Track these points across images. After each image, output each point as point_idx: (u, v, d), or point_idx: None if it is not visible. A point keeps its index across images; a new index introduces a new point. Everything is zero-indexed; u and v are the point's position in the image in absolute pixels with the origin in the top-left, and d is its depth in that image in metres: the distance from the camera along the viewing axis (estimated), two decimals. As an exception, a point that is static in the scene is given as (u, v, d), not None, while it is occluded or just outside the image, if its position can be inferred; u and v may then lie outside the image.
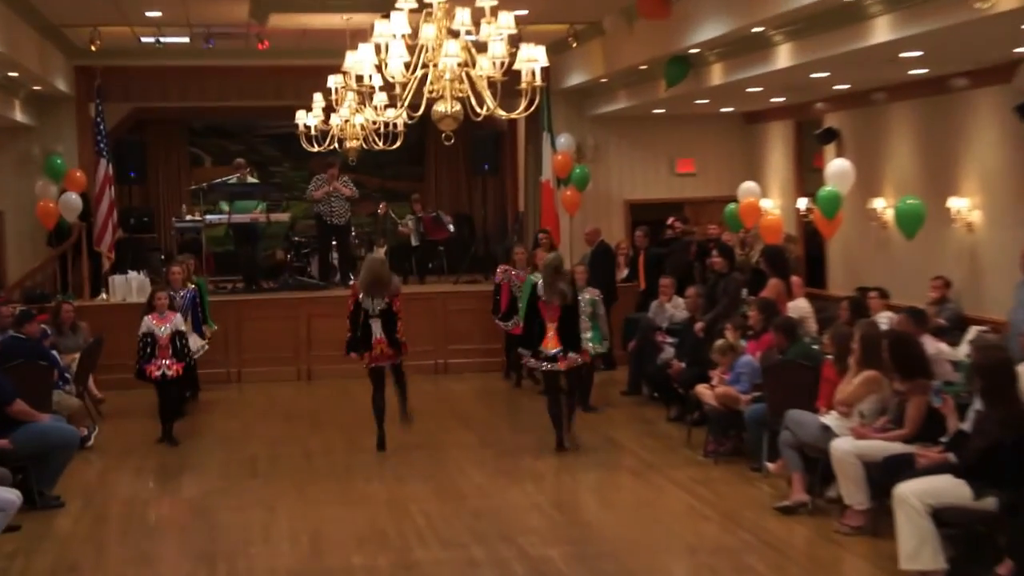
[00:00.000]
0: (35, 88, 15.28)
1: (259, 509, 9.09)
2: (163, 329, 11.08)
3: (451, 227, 17.65)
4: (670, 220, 16.60)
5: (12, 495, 7.61)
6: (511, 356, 13.90)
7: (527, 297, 10.93)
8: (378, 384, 10.97)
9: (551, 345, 10.48)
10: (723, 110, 17.27)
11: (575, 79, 16.55)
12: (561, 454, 10.59)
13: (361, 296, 10.67)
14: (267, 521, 8.77)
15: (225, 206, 16.49)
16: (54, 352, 11.40)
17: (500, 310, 13.53)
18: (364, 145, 12.36)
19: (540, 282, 10.59)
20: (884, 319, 10.61)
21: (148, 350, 11.04)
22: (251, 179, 17.17)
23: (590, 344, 11.51)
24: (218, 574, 7.56)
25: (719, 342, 10.48)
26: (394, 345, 10.83)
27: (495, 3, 7.61)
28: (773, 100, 15.74)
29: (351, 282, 13.77)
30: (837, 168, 13.63)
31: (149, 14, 13.85)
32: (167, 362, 11.01)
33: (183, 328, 11.32)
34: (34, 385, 9.77)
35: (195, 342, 12.08)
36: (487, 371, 14.87)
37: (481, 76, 7.74)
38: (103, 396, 12.51)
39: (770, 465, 9.30)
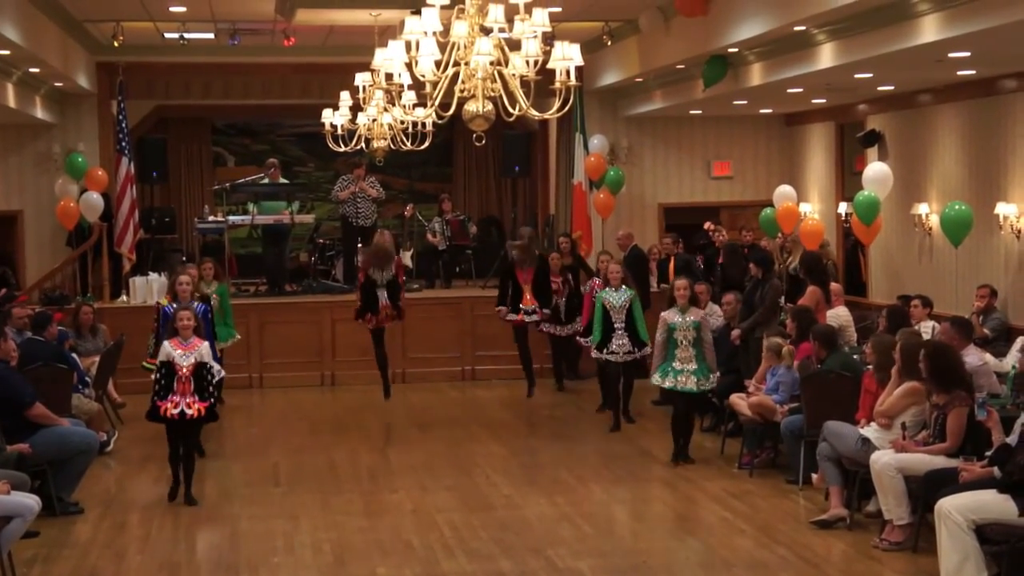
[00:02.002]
0: (56, 85, 15.42)
1: (282, 518, 9.15)
2: (185, 358, 9.28)
3: (472, 233, 17.64)
4: (707, 225, 16.63)
5: (31, 501, 7.67)
6: (560, 366, 14.51)
7: (599, 309, 11.96)
8: (379, 341, 13.22)
9: (528, 303, 13.62)
10: (762, 111, 17.24)
11: (609, 78, 16.56)
12: (590, 465, 10.62)
13: (371, 270, 12.77)
14: (290, 530, 8.83)
15: (252, 207, 16.58)
16: (74, 355, 11.51)
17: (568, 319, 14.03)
18: (392, 145, 12.42)
19: (515, 252, 13.84)
20: (927, 328, 10.58)
21: (164, 382, 9.28)
22: (281, 180, 17.27)
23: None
24: (240, 583, 7.65)
25: (773, 339, 10.45)
26: (396, 309, 12.93)
27: (529, 0, 7.65)
28: (814, 101, 15.70)
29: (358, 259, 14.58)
30: (875, 172, 13.60)
31: (173, 9, 13.96)
32: (188, 399, 9.24)
33: (210, 359, 9.54)
34: (53, 388, 9.86)
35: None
36: (515, 378, 14.86)
37: (514, 75, 7.77)
38: (123, 400, 12.59)
39: (814, 476, 9.28)
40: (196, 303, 10.35)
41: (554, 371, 14.55)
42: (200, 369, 9.28)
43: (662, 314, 10.55)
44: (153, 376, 9.38)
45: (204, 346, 9.37)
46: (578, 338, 13.40)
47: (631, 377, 12.19)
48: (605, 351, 11.85)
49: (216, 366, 10.39)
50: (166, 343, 9.32)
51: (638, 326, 11.91)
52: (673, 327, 10.32)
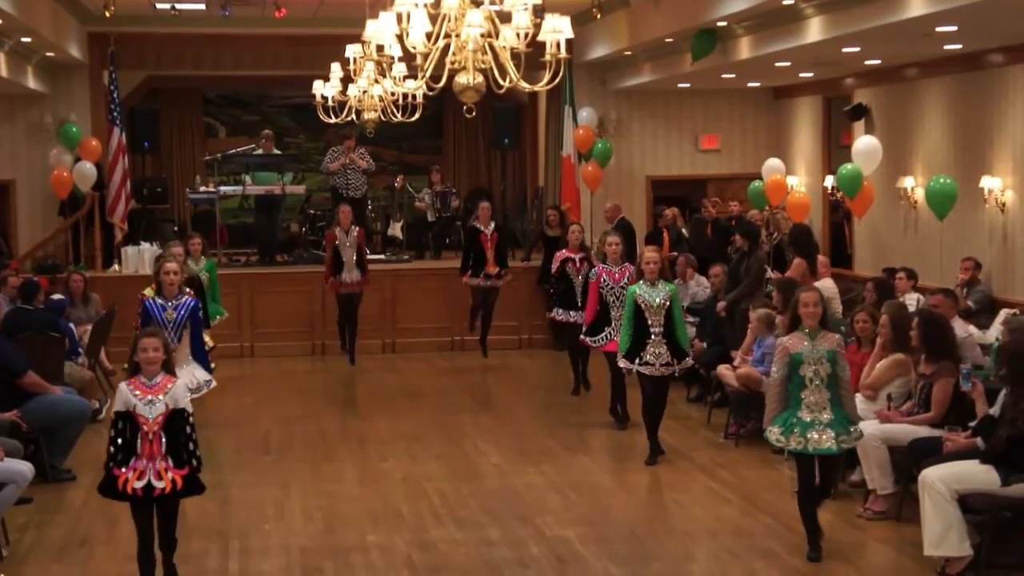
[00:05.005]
0: (48, 55, 15.30)
1: (273, 486, 9.16)
2: (151, 405, 6.37)
3: (454, 207, 17.62)
4: (708, 199, 16.74)
5: (24, 467, 7.66)
6: (579, 366, 12.39)
7: (630, 306, 9.53)
8: (345, 310, 13.98)
9: (492, 268, 13.60)
10: (750, 85, 17.22)
11: (598, 51, 16.49)
12: (578, 435, 10.63)
13: (338, 234, 13.64)
14: (281, 498, 8.83)
15: (247, 177, 16.52)
16: (71, 324, 11.47)
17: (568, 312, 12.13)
18: (382, 117, 12.33)
19: (479, 218, 13.74)
20: (911, 300, 10.59)
21: (120, 441, 6.37)
22: (275, 151, 17.21)
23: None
24: (231, 551, 7.63)
25: (764, 310, 10.36)
26: (360, 267, 13.71)
27: (520, -28, 7.59)
28: (802, 75, 15.68)
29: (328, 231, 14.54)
30: (864, 145, 13.59)
31: (164, -20, 13.87)
32: (157, 465, 6.35)
33: (186, 404, 6.53)
34: (45, 357, 9.85)
35: (198, 377, 9.20)
36: (503, 348, 14.92)
37: (504, 47, 7.72)
38: (115, 368, 12.56)
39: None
40: (184, 298, 9.09)
41: (573, 371, 12.45)
42: (174, 420, 6.40)
43: (780, 341, 7.46)
44: (109, 433, 6.53)
45: (177, 387, 6.47)
46: (582, 337, 11.06)
47: (665, 398, 9.77)
48: (637, 362, 9.49)
49: (204, 375, 9.24)
50: (123, 386, 6.42)
51: (678, 332, 9.57)
52: (799, 359, 7.15)
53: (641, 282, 9.48)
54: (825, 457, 7.15)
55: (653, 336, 9.41)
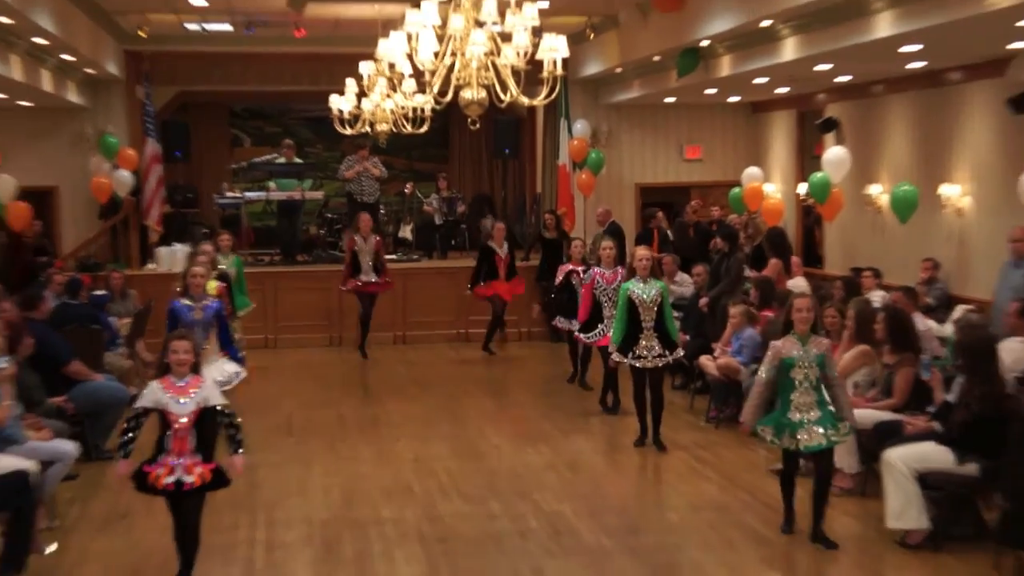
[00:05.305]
0: (88, 71, 15.34)
1: (295, 465, 9.21)
2: (181, 404, 6.17)
3: (459, 212, 17.67)
4: (690, 204, 16.76)
5: (70, 447, 7.71)
6: (577, 364, 12.21)
7: (623, 302, 9.40)
8: (366, 305, 13.84)
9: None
10: (730, 100, 17.23)
11: (591, 69, 16.53)
12: (573, 419, 10.72)
13: (358, 240, 13.58)
14: (303, 476, 8.89)
15: (270, 184, 16.58)
16: (112, 318, 11.53)
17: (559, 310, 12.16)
18: (393, 128, 12.37)
19: (494, 238, 13.78)
20: (877, 297, 10.65)
21: (131, 434, 6.21)
22: (296, 160, 17.27)
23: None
24: (258, 523, 7.69)
25: (741, 306, 10.43)
26: (379, 272, 13.76)
27: (520, -5, 7.65)
28: (778, 91, 15.71)
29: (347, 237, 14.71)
30: (834, 155, 13.64)
31: (194, 2, 13.86)
32: (185, 461, 6.14)
33: (218, 399, 6.31)
34: (88, 347, 9.88)
35: (228, 369, 8.99)
36: (505, 340, 14.98)
37: (505, 65, 7.76)
38: (153, 358, 12.57)
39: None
40: (207, 301, 8.78)
41: (572, 361, 12.31)
42: (204, 418, 6.21)
43: (773, 344, 7.10)
44: (121, 424, 6.48)
45: (206, 386, 6.28)
46: (578, 334, 11.13)
47: (661, 390, 9.61)
48: (630, 355, 9.39)
49: (234, 366, 8.99)
50: (155, 384, 6.20)
51: (668, 325, 9.50)
52: (791, 363, 6.93)
53: (634, 279, 9.37)
54: (819, 452, 6.94)
55: (645, 330, 9.32)
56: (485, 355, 14.30)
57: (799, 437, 6.85)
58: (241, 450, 6.38)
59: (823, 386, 6.94)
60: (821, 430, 6.87)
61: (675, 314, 11.97)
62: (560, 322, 12.15)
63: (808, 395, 6.87)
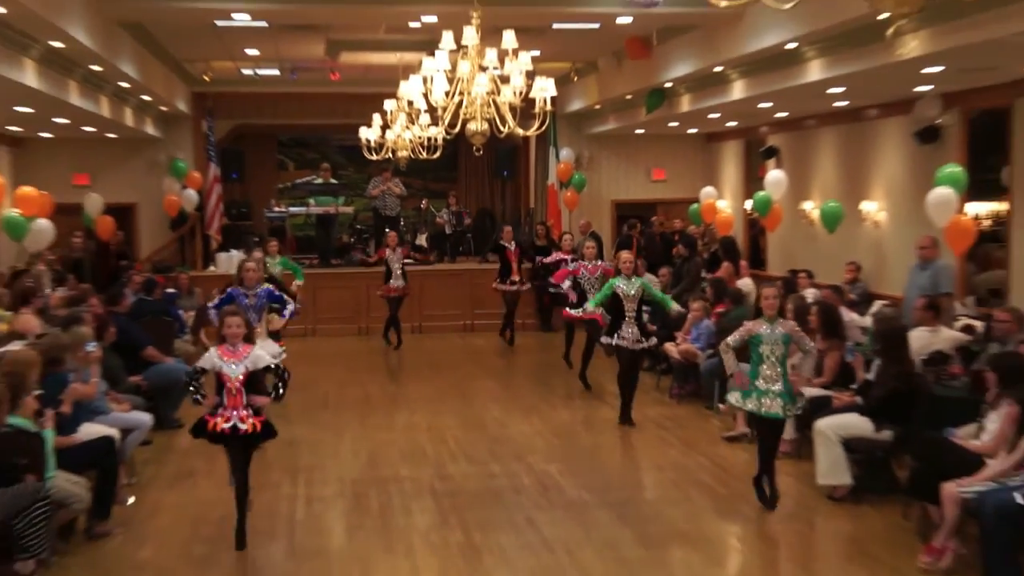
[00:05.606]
0: (162, 109, 15.34)
1: (330, 433, 9.20)
2: (234, 367, 6.12)
3: (466, 223, 17.66)
4: (653, 218, 16.75)
5: (146, 417, 7.73)
6: (568, 343, 11.93)
7: (608, 291, 9.30)
8: (393, 307, 13.62)
9: (516, 276, 13.60)
10: (689, 131, 17.25)
11: (575, 105, 16.54)
12: (559, 396, 10.68)
13: (388, 252, 13.43)
14: (336, 442, 8.88)
15: (310, 200, 16.56)
16: (180, 311, 11.51)
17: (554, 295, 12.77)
18: (411, 154, 12.38)
19: (503, 237, 13.40)
20: (810, 294, 10.64)
21: (192, 387, 6.15)
22: (331, 180, 17.26)
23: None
24: (299, 481, 7.68)
25: (699, 302, 10.43)
26: (405, 279, 13.50)
27: (516, 46, 7.64)
28: (728, 124, 15.73)
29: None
30: (774, 177, 13.64)
31: (248, 52, 13.88)
32: (240, 413, 6.12)
33: (267, 361, 6.25)
34: (161, 335, 9.88)
35: (271, 349, 8.12)
36: (513, 332, 14.93)
37: (504, 102, 7.78)
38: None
39: (720, 405, 9.37)
40: (260, 287, 8.51)
41: (583, 352, 11.26)
42: (253, 377, 6.16)
43: (745, 324, 6.90)
44: (184, 378, 6.50)
45: (254, 352, 6.20)
46: (567, 310, 11.11)
47: (638, 371, 9.58)
48: (616, 337, 9.34)
49: (276, 347, 8.53)
50: (213, 351, 6.22)
51: (662, 299, 9.63)
52: (759, 339, 6.75)
53: (620, 277, 9.30)
54: (774, 420, 6.74)
55: (628, 318, 9.26)
56: (499, 343, 14.15)
57: (762, 402, 6.67)
58: (278, 395, 6.31)
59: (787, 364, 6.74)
60: (780, 402, 6.66)
61: (644, 308, 12.01)
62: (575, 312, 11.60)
63: (774, 369, 6.66)
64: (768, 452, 6.85)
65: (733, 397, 6.92)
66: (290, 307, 8.69)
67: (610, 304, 9.36)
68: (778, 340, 6.67)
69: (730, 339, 6.85)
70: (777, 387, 6.65)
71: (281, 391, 6.34)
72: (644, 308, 11.30)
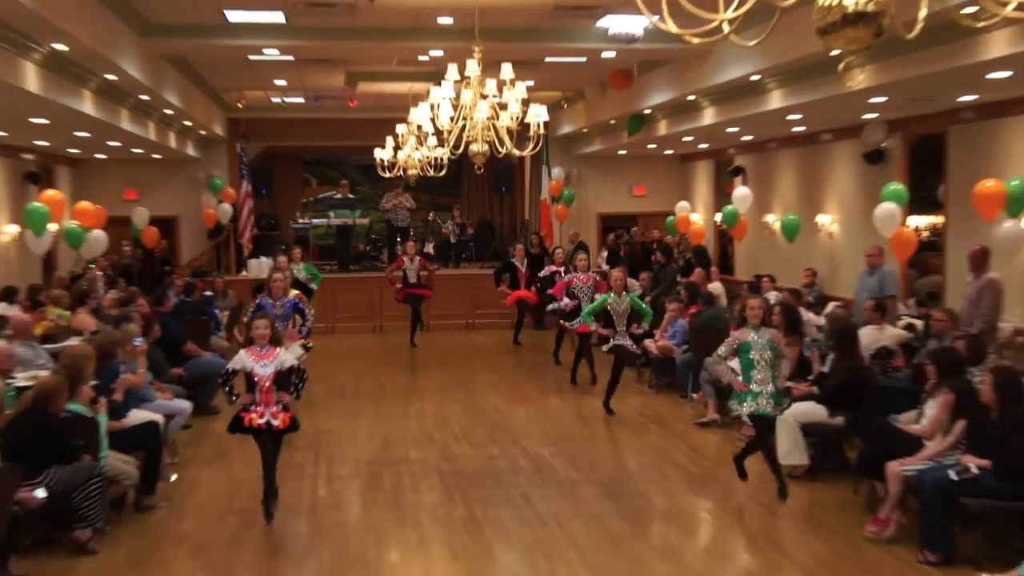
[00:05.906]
0: (201, 132, 15.36)
1: (347, 419, 9.19)
2: (263, 367, 6.02)
3: (468, 232, 17.65)
4: (633, 229, 16.76)
5: (186, 404, 7.76)
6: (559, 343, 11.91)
7: (600, 306, 9.05)
8: (413, 306, 13.29)
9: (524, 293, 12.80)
10: (666, 152, 17.29)
11: (565, 129, 16.57)
12: (551, 387, 10.68)
13: (406, 260, 13.01)
14: (353, 427, 8.87)
15: (331, 213, 16.57)
16: (216, 311, 11.50)
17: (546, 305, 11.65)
18: (420, 172, 12.39)
19: (515, 255, 12.84)
20: (772, 296, 10.67)
21: (227, 388, 6.10)
22: (349, 195, 17.27)
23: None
24: (320, 461, 7.68)
25: (675, 303, 10.38)
26: (423, 285, 13.12)
27: (512, 77, 7.67)
28: (700, 146, 15.77)
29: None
30: (740, 193, 13.68)
31: (277, 82, 13.92)
32: (272, 409, 6.04)
33: (292, 362, 6.13)
34: (199, 333, 9.88)
35: (294, 351, 7.45)
36: (501, 329, 14.96)
37: (502, 126, 7.80)
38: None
39: (694, 395, 9.39)
40: (287, 298, 8.28)
41: (574, 358, 11.05)
42: (280, 376, 6.07)
43: (733, 333, 6.60)
44: (221, 380, 6.17)
45: (281, 354, 6.09)
46: (562, 322, 10.97)
47: (621, 373, 9.29)
48: (606, 346, 9.14)
49: (299, 349, 8.19)
50: (243, 352, 6.12)
51: (641, 309, 9.12)
52: (748, 346, 6.47)
53: (611, 293, 9.05)
54: (762, 417, 6.50)
55: (618, 330, 9.01)
56: (498, 340, 14.07)
57: (758, 402, 6.44)
58: (297, 395, 6.22)
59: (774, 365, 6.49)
60: (772, 402, 6.46)
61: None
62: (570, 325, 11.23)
63: (764, 372, 6.42)
64: (767, 449, 6.64)
65: (734, 406, 6.63)
66: (307, 325, 8.57)
67: (600, 316, 9.22)
68: (765, 345, 6.47)
69: (721, 350, 6.60)
70: (770, 388, 6.46)
71: (300, 390, 6.26)
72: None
